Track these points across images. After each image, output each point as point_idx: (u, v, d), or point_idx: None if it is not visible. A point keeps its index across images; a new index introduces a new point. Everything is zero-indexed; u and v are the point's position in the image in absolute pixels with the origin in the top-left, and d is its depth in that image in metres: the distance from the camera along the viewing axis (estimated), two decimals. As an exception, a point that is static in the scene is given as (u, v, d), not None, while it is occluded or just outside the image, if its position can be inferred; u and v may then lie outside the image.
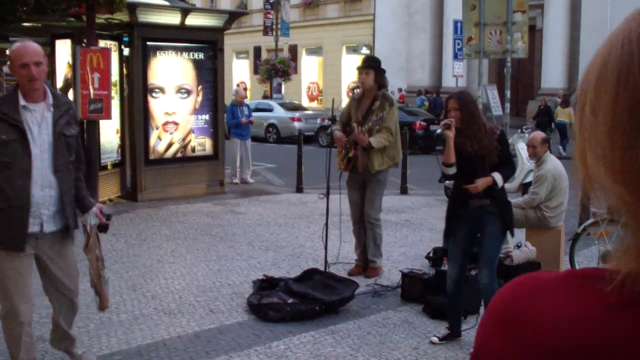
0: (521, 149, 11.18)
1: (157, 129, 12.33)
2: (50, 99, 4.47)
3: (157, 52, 12.21)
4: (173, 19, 12.29)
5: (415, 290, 6.73)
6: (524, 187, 11.50)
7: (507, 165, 5.46)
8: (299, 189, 13.73)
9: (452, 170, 5.56)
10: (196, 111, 12.83)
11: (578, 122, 0.86)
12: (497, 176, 5.34)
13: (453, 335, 5.73)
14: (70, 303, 4.80)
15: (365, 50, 40.15)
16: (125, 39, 12.19)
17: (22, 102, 4.36)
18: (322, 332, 5.88)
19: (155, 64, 12.20)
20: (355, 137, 7.23)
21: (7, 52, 12.48)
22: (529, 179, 11.43)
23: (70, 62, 11.26)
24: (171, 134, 12.51)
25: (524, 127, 13.12)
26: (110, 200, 11.56)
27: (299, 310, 6.18)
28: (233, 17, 13.81)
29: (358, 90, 7.61)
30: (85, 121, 11.01)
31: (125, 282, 7.27)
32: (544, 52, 30.04)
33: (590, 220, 7.23)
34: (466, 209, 5.51)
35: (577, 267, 7.23)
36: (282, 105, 28.84)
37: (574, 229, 9.41)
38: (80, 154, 4.71)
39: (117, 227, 9.99)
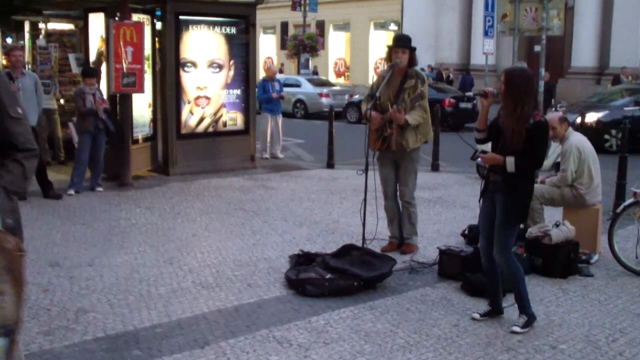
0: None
1: (189, 103, 12.32)
2: None
3: (190, 26, 12.16)
4: (206, -7, 12.25)
5: (453, 267, 6.68)
6: (557, 167, 11.40)
7: (530, 157, 5.27)
8: (330, 165, 13.69)
9: (481, 136, 5.58)
10: (228, 86, 12.79)
11: None
12: (510, 160, 5.24)
13: (494, 312, 5.69)
14: None
15: (393, 27, 39.89)
16: (158, 13, 12.15)
17: None
18: (360, 308, 5.86)
19: (187, 38, 12.16)
20: (391, 115, 7.17)
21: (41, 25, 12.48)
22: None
23: (104, 36, 11.25)
24: (203, 108, 12.50)
25: (558, 105, 12.99)
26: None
27: (338, 285, 6.16)
28: (265, -9, 13.72)
29: (387, 67, 7.50)
30: (118, 95, 11.04)
31: (162, 256, 7.28)
32: (575, 31, 29.59)
33: (631, 200, 7.12)
34: (489, 182, 5.55)
35: (615, 247, 7.15)
36: (310, 80, 28.74)
37: (610, 208, 9.34)
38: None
39: (151, 201, 10.04)
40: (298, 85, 27.54)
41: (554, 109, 12.26)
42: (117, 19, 10.83)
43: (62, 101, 12.99)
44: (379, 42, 41.66)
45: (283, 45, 43.45)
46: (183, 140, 12.28)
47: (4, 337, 2.81)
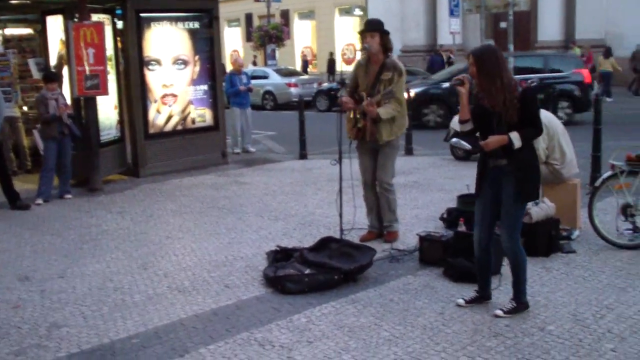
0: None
1: (156, 102, 12.08)
2: None
3: (152, 23, 11.90)
4: (166, -12, 12.00)
5: (435, 253, 6.55)
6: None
7: (531, 125, 5.14)
8: (303, 156, 13.53)
9: (467, 127, 5.38)
10: (194, 82, 12.56)
11: None
12: (514, 135, 5.07)
13: (482, 298, 5.57)
14: None
15: (358, 12, 39.74)
16: (118, 11, 11.87)
17: None
18: (342, 302, 5.71)
19: (150, 35, 11.90)
20: (364, 108, 7.02)
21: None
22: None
23: (64, 39, 10.97)
24: (170, 106, 12.26)
25: (528, 81, 12.92)
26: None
27: (318, 280, 6.01)
28: (226, -17, 13.47)
29: (361, 52, 7.33)
30: (82, 99, 10.78)
31: (135, 261, 7.08)
32: (540, 5, 29.60)
33: (609, 173, 7.04)
34: (488, 169, 5.32)
35: (596, 221, 7.07)
36: (278, 71, 28.51)
37: (587, 181, 9.29)
38: None
39: (122, 205, 9.81)
40: (265, 77, 27.30)
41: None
42: (76, 20, 10.56)
43: (25, 108, 12.68)
44: (345, 29, 41.53)
45: (248, 37, 43.19)
46: (152, 140, 12.05)
47: None
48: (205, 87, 12.72)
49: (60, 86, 10.55)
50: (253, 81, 17.09)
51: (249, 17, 46.82)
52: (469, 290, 5.69)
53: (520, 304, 5.35)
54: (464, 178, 9.27)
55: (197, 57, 12.54)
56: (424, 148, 14.09)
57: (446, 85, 17.67)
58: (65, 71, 11.11)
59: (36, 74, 12.41)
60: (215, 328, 5.26)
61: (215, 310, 5.64)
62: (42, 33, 12.07)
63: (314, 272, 6.13)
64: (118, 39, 12.04)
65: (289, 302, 5.75)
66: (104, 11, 11.66)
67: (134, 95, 11.81)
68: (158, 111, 12.11)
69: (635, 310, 5.33)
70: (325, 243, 6.73)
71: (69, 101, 10.45)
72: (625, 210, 6.95)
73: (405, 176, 11.03)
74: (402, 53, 33.00)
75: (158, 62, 12.04)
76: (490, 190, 5.32)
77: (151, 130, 12.05)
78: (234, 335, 5.11)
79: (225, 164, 12.97)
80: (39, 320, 5.58)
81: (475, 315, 5.32)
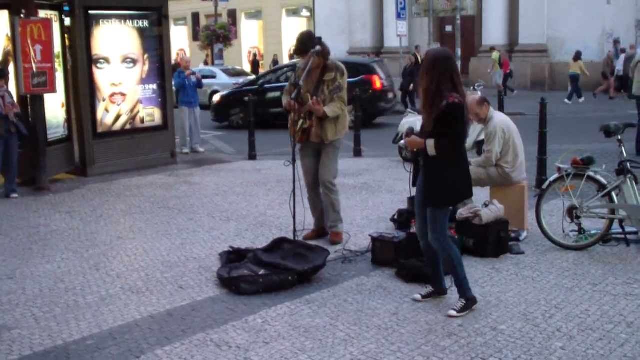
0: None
1: (104, 100, 11.94)
2: None
3: (100, 21, 11.75)
4: (115, -15, 11.86)
5: (387, 254, 6.63)
6: (479, 145, 11.52)
7: (448, 137, 5.22)
8: (252, 156, 13.52)
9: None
10: (143, 81, 12.45)
11: None
12: (430, 143, 5.23)
13: (436, 293, 5.69)
14: None
15: (305, 13, 39.79)
16: (66, 8, 11.71)
17: None
18: (297, 303, 5.74)
19: (98, 33, 11.75)
20: (310, 106, 7.08)
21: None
22: (482, 136, 11.46)
23: (10, 35, 10.76)
24: (119, 105, 12.13)
25: (475, 85, 13.11)
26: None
27: (272, 281, 6.03)
28: (176, -18, 13.38)
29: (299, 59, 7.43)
30: (29, 96, 10.59)
31: (87, 262, 7.00)
32: (484, 10, 30.06)
33: (555, 176, 7.21)
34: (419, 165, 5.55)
35: (543, 223, 7.24)
36: (225, 71, 28.38)
37: (533, 184, 9.49)
38: None
39: (71, 205, 9.68)
40: (213, 77, 27.16)
41: (471, 88, 12.36)
42: (22, 16, 10.36)
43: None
44: (292, 29, 41.56)
45: (195, 36, 42.90)
46: (100, 140, 11.91)
47: None
48: (154, 86, 12.62)
49: (6, 83, 10.35)
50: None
51: (195, 16, 46.50)
52: (422, 290, 5.78)
53: (468, 300, 5.46)
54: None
55: (146, 56, 12.44)
56: (371, 149, 14.19)
57: (249, 88, 19.65)
58: (11, 68, 10.89)
59: (-20, 71, 12.12)
60: (171, 329, 5.25)
61: (170, 311, 5.61)
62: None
63: (268, 272, 6.15)
64: (66, 36, 11.87)
65: (244, 303, 5.76)
66: (51, 7, 11.49)
67: (82, 93, 11.65)
68: (106, 110, 11.97)
69: (582, 310, 5.48)
70: (278, 244, 6.75)
71: (15, 98, 10.26)
72: (571, 212, 7.13)
73: (354, 177, 11.12)
74: (349, 55, 33.13)
75: (107, 60, 11.90)
76: (420, 185, 5.53)
77: (99, 129, 11.91)
78: (190, 336, 5.10)
79: (174, 164, 12.89)
80: (-11, 322, 5.48)
81: (428, 316, 5.40)
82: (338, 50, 30.54)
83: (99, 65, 11.80)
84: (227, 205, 9.49)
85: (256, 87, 19.80)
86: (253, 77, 24.74)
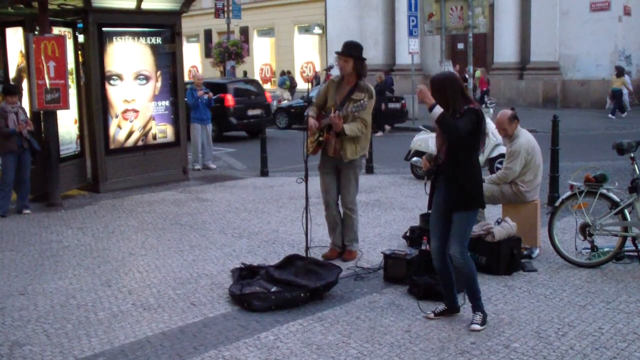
0: (487, 123, 11.13)
1: (117, 117, 11.99)
2: None
3: (114, 37, 11.83)
4: (128, 2, 11.92)
5: (399, 271, 6.61)
6: (491, 162, 11.51)
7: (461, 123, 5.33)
8: (264, 173, 13.53)
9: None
10: (156, 97, 12.50)
11: None
12: (438, 109, 5.28)
13: (449, 310, 5.66)
14: None
15: (317, 30, 39.92)
16: (80, 25, 11.77)
17: None
18: (309, 320, 5.73)
19: (111, 50, 11.83)
20: (330, 120, 7.07)
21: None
22: (495, 153, 11.45)
23: (23, 51, 10.84)
24: (131, 122, 12.18)
25: (488, 102, 13.11)
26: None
27: (285, 298, 6.01)
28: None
29: (333, 69, 7.42)
30: (42, 112, 10.65)
31: (98, 278, 7.01)
32: (496, 27, 30.08)
33: (568, 193, 7.18)
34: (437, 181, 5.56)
35: (556, 240, 7.21)
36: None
37: (545, 201, 9.45)
38: None
39: (82, 221, 9.70)
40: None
41: (484, 105, 12.34)
42: (36, 33, 10.45)
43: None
44: (304, 46, 41.70)
45: (207, 53, 43.09)
46: (112, 156, 11.94)
47: None
48: (166, 102, 12.67)
49: (20, 99, 10.42)
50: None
51: (208, 33, 46.74)
52: (434, 308, 5.76)
53: (484, 313, 5.49)
54: (425, 197, 9.32)
55: (159, 73, 12.49)
56: (383, 166, 14.18)
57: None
58: (25, 84, 10.97)
59: (-5, 87, 12.23)
60: (183, 346, 5.24)
61: (182, 328, 5.61)
62: (1, 45, 11.90)
63: (280, 289, 6.14)
64: (79, 52, 11.93)
65: (256, 320, 5.75)
66: (65, 24, 11.56)
67: (95, 109, 11.70)
68: (119, 126, 12.02)
69: (595, 327, 5.44)
70: (290, 260, 6.74)
71: (28, 114, 10.32)
72: (584, 230, 7.10)
73: (366, 194, 11.10)
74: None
75: (120, 77, 11.96)
76: (439, 200, 5.55)
77: (112, 146, 11.95)
78: (202, 353, 5.09)
79: (186, 180, 12.91)
80: (0, 338, 5.47)
81: (441, 333, 5.37)
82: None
83: (111, 81, 11.86)
84: (239, 221, 9.49)
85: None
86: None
